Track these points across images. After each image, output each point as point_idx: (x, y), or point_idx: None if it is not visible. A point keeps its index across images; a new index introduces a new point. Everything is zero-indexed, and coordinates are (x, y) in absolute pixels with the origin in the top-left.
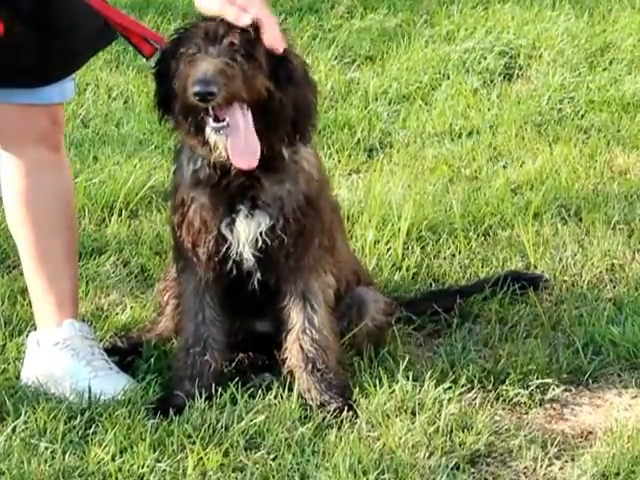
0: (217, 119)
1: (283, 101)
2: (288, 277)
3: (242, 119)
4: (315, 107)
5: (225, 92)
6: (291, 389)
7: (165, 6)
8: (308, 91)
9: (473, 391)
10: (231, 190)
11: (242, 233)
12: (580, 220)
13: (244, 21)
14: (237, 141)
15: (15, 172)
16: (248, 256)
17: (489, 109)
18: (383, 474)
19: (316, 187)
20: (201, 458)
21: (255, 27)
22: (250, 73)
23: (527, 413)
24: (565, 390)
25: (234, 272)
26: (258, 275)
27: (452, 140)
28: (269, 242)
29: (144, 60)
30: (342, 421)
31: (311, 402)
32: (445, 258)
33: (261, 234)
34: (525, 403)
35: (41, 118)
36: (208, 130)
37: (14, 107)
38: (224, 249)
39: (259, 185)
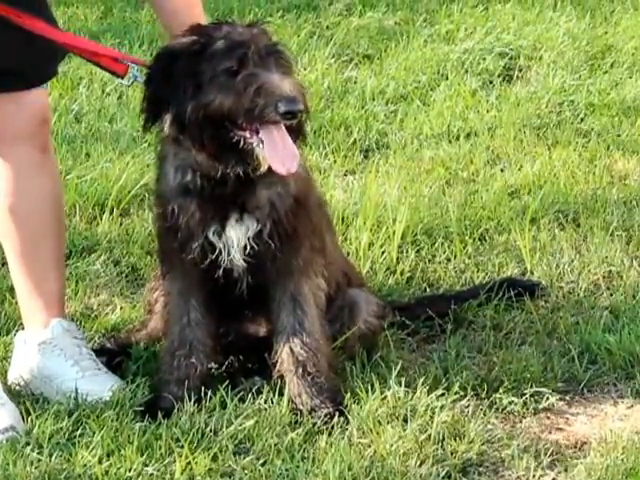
0: (253, 132)
1: None
2: (277, 280)
3: (274, 128)
4: None
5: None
6: (281, 393)
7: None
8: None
9: (466, 399)
10: (223, 198)
11: (233, 239)
12: (578, 226)
13: None
14: (275, 149)
15: (2, 173)
16: (239, 262)
17: (488, 111)
18: None
19: (304, 185)
20: (189, 462)
21: None
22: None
23: (520, 422)
24: (560, 399)
25: (222, 278)
26: (247, 279)
27: (449, 142)
28: (256, 247)
29: (120, 80)
30: (333, 427)
31: (302, 407)
32: (440, 262)
33: (249, 239)
34: (519, 412)
35: (28, 115)
36: (249, 144)
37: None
38: (213, 256)
39: (251, 189)
